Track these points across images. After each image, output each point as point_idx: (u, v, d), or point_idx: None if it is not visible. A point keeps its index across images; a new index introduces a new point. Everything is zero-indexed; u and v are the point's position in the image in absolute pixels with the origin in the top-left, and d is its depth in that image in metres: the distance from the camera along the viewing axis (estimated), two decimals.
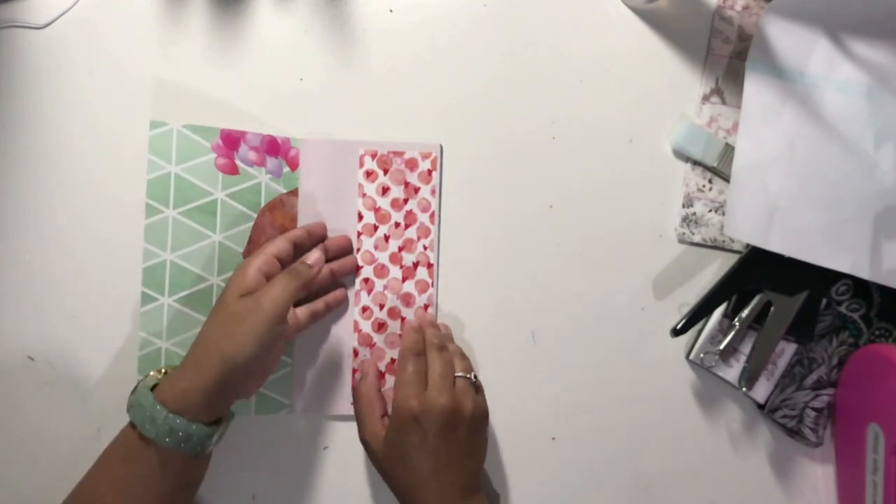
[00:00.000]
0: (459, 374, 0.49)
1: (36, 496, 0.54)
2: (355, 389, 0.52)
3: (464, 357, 0.52)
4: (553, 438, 0.55)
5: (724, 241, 0.55)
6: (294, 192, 0.54)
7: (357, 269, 0.54)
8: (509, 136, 0.55)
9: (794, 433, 0.54)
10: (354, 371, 0.54)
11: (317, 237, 0.53)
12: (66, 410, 0.54)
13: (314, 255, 0.49)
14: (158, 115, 0.53)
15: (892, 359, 0.50)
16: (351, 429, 0.54)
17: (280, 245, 0.49)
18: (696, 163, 0.55)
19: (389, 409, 0.49)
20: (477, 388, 0.50)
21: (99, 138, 0.54)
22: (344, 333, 0.54)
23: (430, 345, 0.50)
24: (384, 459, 0.48)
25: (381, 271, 0.53)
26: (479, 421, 0.49)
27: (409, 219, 0.54)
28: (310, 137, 0.54)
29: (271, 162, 0.53)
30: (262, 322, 0.44)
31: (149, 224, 0.52)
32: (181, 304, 0.52)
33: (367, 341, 0.54)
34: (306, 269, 0.48)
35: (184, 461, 0.44)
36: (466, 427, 0.47)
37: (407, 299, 0.54)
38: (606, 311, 0.55)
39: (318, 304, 0.52)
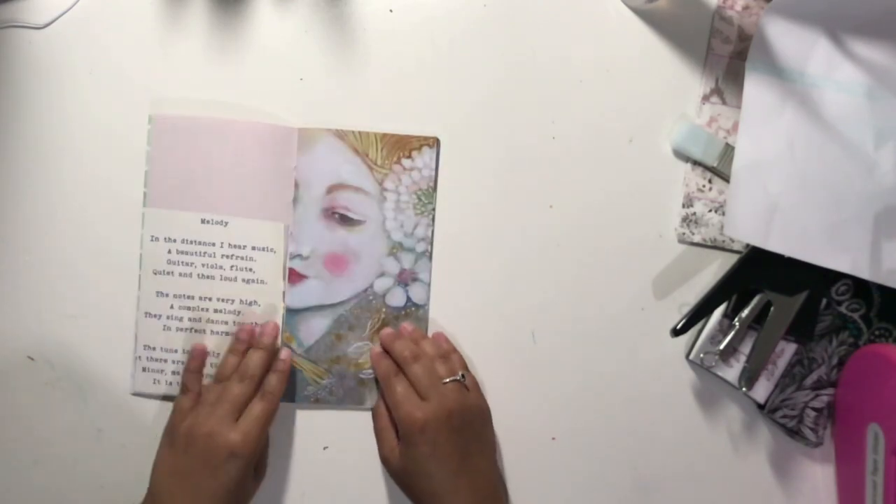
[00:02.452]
0: (447, 380, 0.50)
1: (36, 496, 0.54)
2: (373, 409, 0.53)
3: (445, 359, 0.52)
4: (553, 438, 0.55)
5: (724, 241, 0.55)
6: None
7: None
8: (509, 136, 0.55)
9: (794, 433, 0.54)
10: None
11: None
12: (66, 410, 0.54)
13: None
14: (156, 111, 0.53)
15: (892, 359, 0.50)
16: (351, 429, 0.54)
17: (237, 390, 0.49)
18: (696, 163, 0.55)
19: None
20: (469, 386, 0.51)
21: (99, 138, 0.54)
22: None
23: (403, 361, 0.51)
24: (403, 475, 0.49)
25: None
26: (480, 418, 0.50)
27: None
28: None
29: None
30: None
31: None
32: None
33: None
34: None
35: None
36: (470, 426, 0.49)
37: None
38: (606, 311, 0.55)
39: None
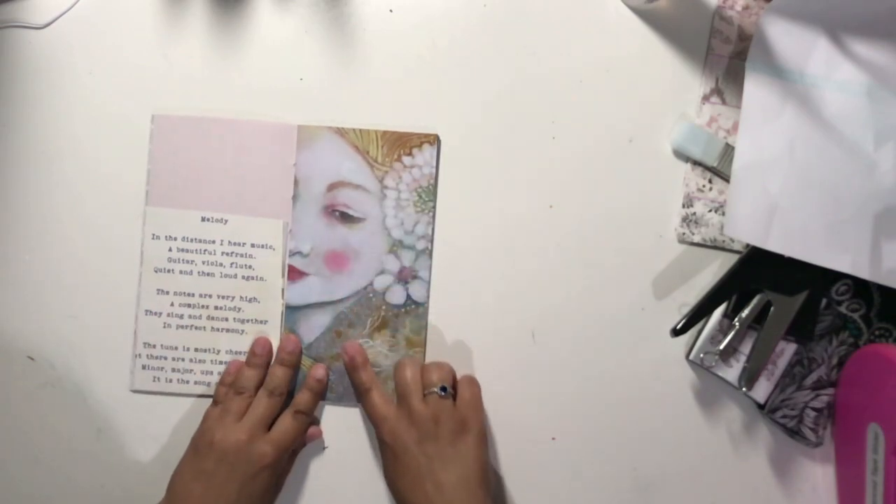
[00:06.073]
0: (430, 390, 0.50)
1: (36, 496, 0.54)
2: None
3: (430, 372, 0.52)
4: (553, 438, 0.55)
5: (724, 241, 0.55)
6: None
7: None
8: (509, 136, 0.55)
9: (794, 433, 0.54)
10: None
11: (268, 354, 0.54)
12: (66, 410, 0.54)
13: None
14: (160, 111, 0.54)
15: (892, 359, 0.50)
16: (351, 429, 0.54)
17: (266, 403, 0.51)
18: (696, 163, 0.55)
19: None
20: (458, 400, 0.51)
21: (99, 138, 0.54)
22: None
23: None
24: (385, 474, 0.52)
25: None
26: (452, 432, 0.49)
27: None
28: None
29: None
30: None
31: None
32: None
33: None
34: None
35: None
36: (441, 439, 0.49)
37: None
38: (606, 311, 0.55)
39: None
